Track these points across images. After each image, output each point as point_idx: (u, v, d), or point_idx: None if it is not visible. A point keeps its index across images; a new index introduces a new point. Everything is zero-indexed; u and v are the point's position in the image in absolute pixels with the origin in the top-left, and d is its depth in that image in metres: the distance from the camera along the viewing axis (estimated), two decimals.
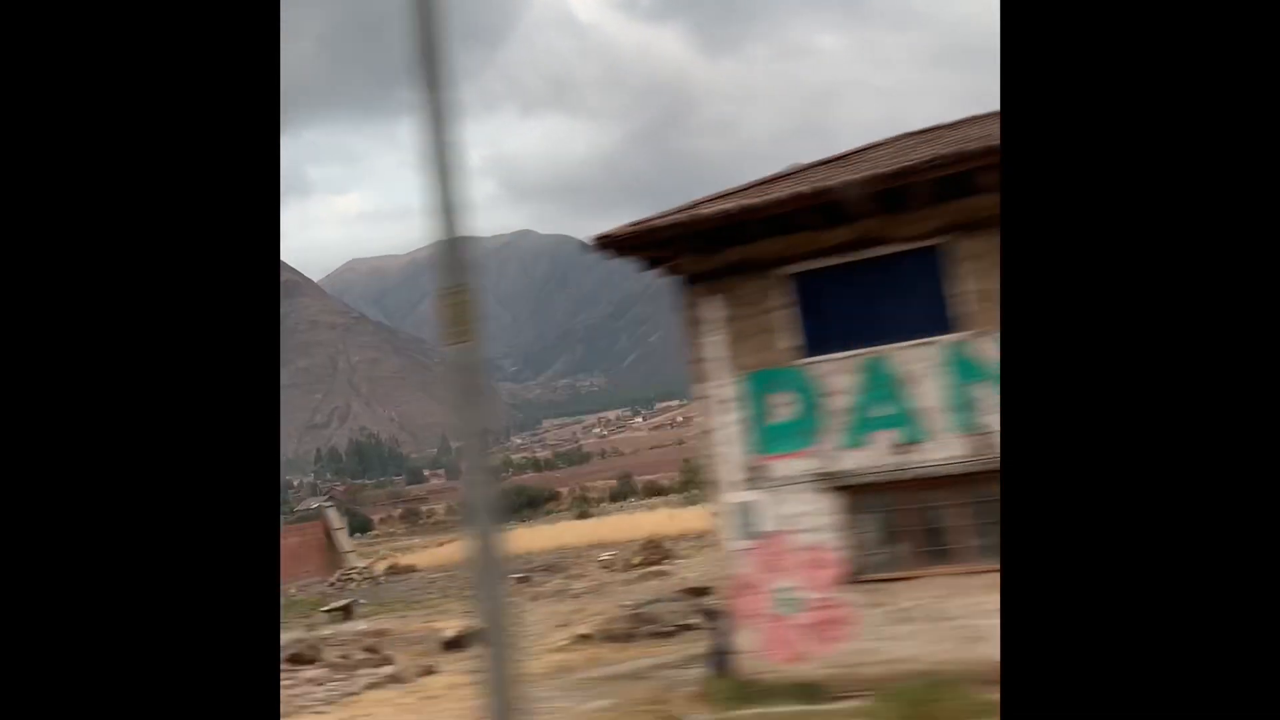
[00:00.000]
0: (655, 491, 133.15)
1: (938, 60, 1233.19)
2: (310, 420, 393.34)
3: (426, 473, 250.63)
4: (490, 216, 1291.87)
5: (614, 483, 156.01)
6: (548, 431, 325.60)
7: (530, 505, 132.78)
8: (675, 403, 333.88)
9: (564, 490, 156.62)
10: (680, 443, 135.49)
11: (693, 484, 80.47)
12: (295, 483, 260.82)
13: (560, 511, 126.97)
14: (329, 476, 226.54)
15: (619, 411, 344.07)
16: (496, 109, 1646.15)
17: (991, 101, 9.95)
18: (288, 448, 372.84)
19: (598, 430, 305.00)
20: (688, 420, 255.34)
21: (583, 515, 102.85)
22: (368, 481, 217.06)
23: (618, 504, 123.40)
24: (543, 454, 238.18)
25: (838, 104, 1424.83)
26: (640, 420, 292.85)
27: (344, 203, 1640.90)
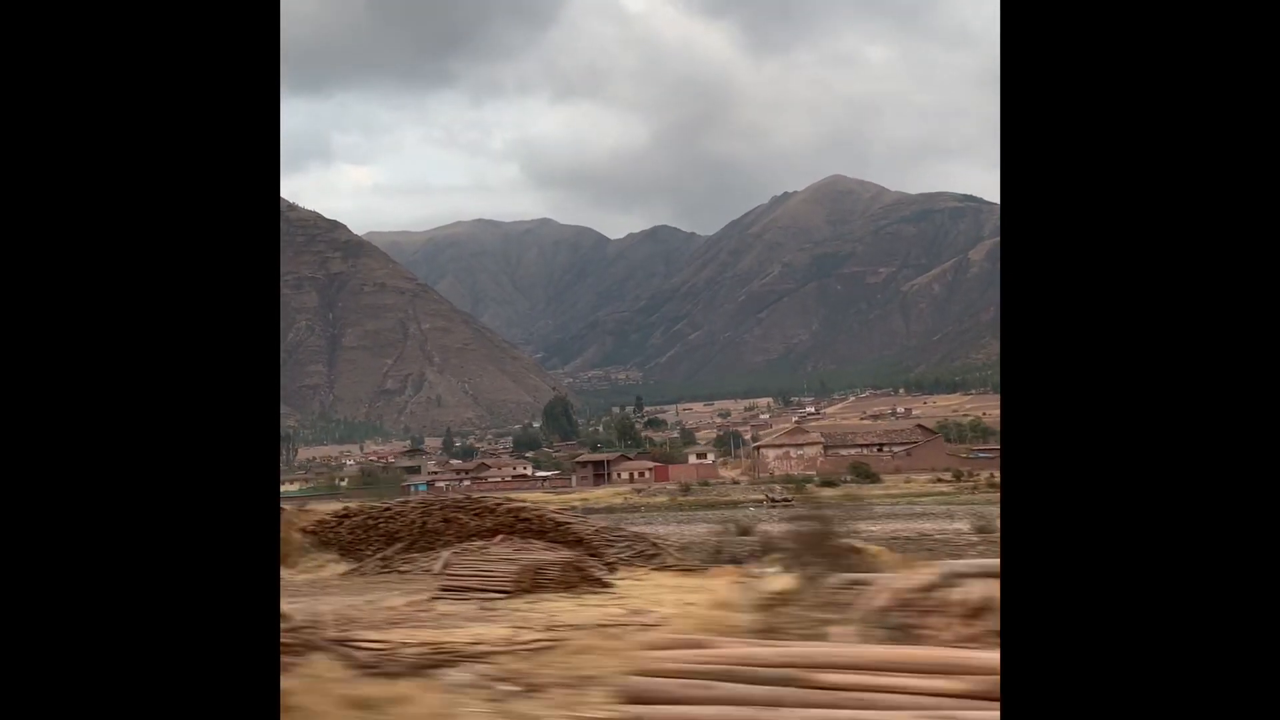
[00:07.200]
0: None
1: (981, 82, 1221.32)
2: (381, 385, 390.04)
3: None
4: (510, 201, 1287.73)
5: None
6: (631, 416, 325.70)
7: None
8: (809, 398, 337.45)
9: None
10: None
11: None
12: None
13: None
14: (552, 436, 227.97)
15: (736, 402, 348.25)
16: (529, 92, 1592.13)
17: None
18: (358, 411, 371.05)
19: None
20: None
21: None
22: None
23: None
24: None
25: (875, 118, 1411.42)
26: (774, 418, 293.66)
27: (360, 173, 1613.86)
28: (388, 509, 25.41)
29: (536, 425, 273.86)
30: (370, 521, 24.97)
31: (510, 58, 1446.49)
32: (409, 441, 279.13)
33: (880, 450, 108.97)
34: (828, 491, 78.81)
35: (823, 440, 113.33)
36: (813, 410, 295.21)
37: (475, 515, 24.07)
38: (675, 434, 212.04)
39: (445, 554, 23.79)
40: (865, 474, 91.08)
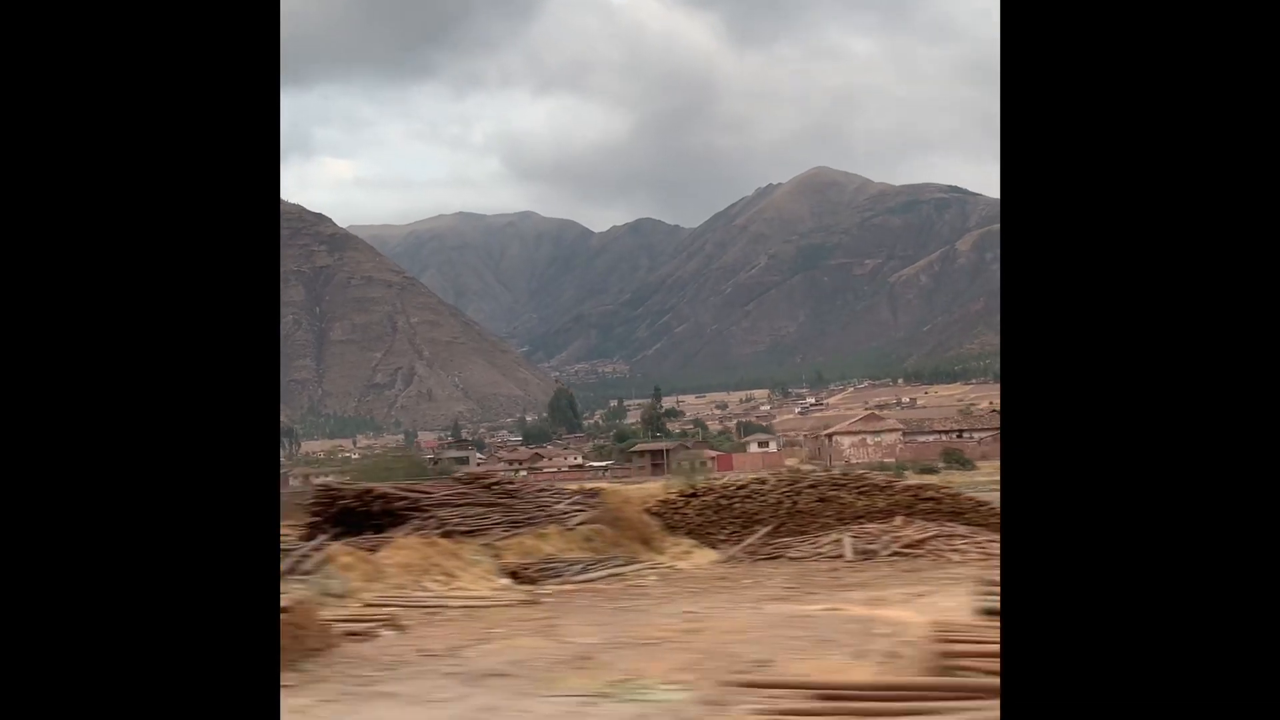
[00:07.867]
0: None
1: (964, 75, 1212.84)
2: (370, 379, 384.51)
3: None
4: (492, 194, 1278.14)
5: None
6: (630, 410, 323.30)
7: None
8: (805, 389, 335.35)
9: None
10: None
11: None
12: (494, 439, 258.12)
13: None
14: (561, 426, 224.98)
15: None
16: (511, 85, 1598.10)
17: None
18: (347, 406, 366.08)
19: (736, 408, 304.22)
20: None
21: None
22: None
23: None
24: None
25: (857, 111, 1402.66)
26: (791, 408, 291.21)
27: (341, 167, 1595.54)
28: (742, 488, 22.22)
29: (530, 419, 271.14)
30: (722, 502, 21.76)
31: (492, 50, 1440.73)
32: (403, 436, 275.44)
33: (960, 436, 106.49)
34: (928, 479, 76.57)
35: (901, 427, 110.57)
36: (812, 401, 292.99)
37: (861, 494, 20.87)
38: (689, 425, 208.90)
39: (847, 538, 20.40)
40: (959, 460, 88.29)
